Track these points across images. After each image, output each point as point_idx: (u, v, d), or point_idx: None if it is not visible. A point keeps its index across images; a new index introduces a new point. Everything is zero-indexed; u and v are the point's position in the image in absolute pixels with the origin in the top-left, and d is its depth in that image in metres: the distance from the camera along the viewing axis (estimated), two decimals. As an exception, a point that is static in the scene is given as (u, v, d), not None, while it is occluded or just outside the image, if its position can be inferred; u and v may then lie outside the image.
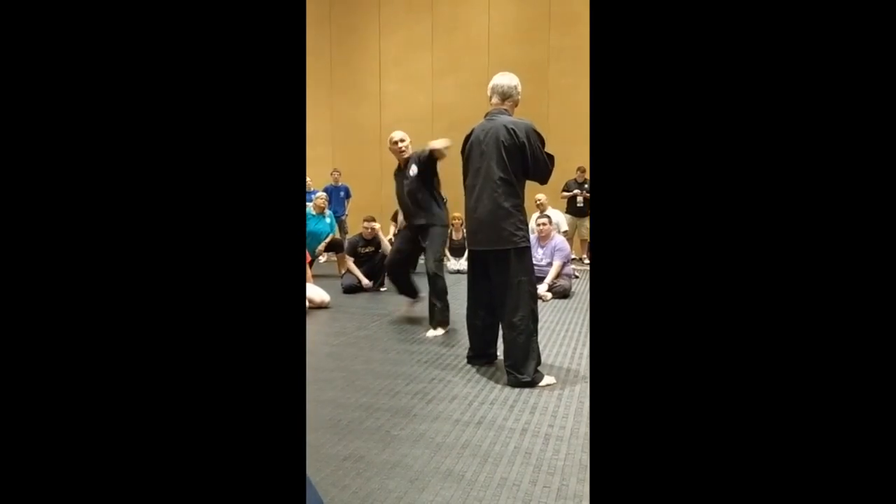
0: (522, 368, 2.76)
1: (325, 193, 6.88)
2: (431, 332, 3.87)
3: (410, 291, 4.37)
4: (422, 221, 4.01)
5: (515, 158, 2.80)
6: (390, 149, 4.15)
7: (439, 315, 3.90)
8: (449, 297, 3.95)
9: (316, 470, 1.92)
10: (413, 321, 4.25)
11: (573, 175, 7.75)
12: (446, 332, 3.88)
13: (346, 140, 10.19)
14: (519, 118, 2.90)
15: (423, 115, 9.55)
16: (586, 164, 7.39)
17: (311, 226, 6.29)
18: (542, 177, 2.92)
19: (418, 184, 3.95)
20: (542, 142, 2.87)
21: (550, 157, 2.90)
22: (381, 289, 5.65)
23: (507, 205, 2.80)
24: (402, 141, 4.11)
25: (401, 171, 4.16)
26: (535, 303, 2.88)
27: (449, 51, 9.43)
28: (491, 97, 2.98)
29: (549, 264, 5.30)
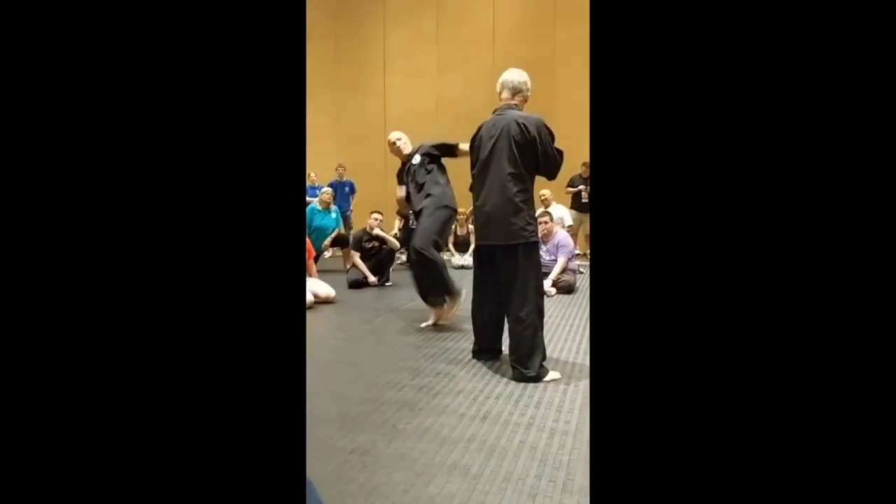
0: (528, 363, 2.77)
1: (330, 189, 6.88)
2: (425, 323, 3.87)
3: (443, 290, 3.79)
4: (423, 203, 3.70)
5: (526, 153, 2.81)
6: (391, 150, 4.06)
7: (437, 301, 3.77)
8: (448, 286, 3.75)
9: (322, 463, 1.93)
10: (418, 316, 4.26)
11: (578, 170, 7.73)
12: (443, 322, 3.88)
13: (350, 135, 10.18)
14: (529, 113, 2.91)
15: (429, 110, 9.53)
16: (591, 160, 7.37)
17: (317, 221, 6.29)
18: (551, 172, 2.94)
19: (421, 166, 3.80)
20: (552, 137, 2.88)
21: (560, 153, 2.91)
22: (387, 283, 5.66)
23: (517, 200, 2.80)
24: (398, 140, 4.03)
25: (404, 170, 3.99)
26: (542, 298, 2.88)
27: (454, 45, 9.40)
28: (500, 92, 2.99)
29: (554, 260, 5.30)
